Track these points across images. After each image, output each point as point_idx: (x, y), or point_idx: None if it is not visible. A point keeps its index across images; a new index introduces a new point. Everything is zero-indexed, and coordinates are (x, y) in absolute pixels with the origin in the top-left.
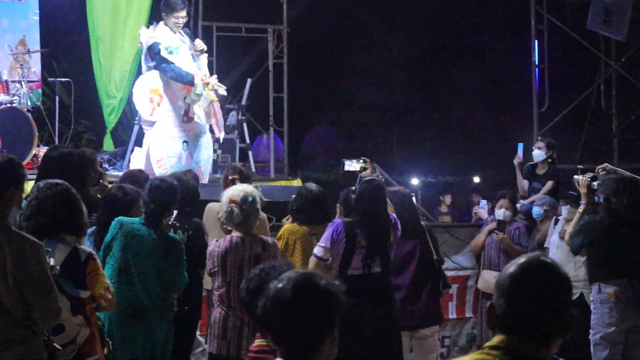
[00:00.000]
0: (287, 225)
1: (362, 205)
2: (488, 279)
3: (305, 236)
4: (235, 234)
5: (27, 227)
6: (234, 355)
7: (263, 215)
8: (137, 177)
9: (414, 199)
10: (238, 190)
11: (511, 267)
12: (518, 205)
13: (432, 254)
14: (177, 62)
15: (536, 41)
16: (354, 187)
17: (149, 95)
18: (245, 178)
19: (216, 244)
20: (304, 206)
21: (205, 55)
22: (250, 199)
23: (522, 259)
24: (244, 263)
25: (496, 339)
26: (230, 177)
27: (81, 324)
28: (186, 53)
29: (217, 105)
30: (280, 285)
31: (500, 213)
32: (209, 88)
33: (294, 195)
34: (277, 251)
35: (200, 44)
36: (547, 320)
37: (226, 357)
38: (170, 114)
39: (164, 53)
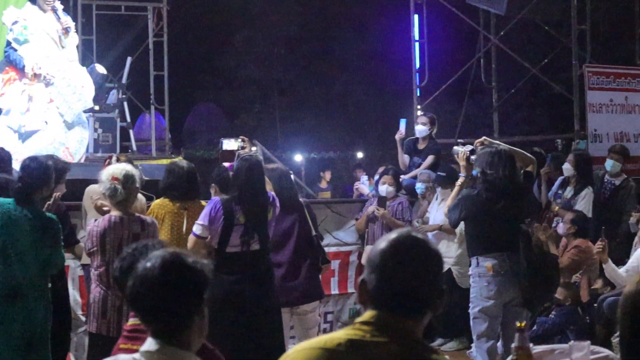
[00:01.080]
0: (158, 200)
1: (238, 183)
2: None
3: (175, 212)
4: (114, 213)
5: None
6: (114, 335)
7: (140, 195)
8: (1, 156)
9: (292, 176)
10: (119, 168)
11: (382, 243)
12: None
13: (310, 230)
14: (29, 48)
15: (416, 15)
16: (227, 164)
17: (1, 76)
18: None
19: (95, 223)
20: (175, 183)
21: (74, 34)
22: (131, 177)
23: (392, 235)
24: (123, 242)
25: (367, 315)
26: (107, 158)
27: None
28: (46, 35)
29: (47, 91)
30: (148, 264)
31: (384, 189)
32: (40, 79)
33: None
34: (156, 230)
35: (66, 21)
36: (418, 295)
37: (106, 336)
38: (16, 94)
39: (10, 36)
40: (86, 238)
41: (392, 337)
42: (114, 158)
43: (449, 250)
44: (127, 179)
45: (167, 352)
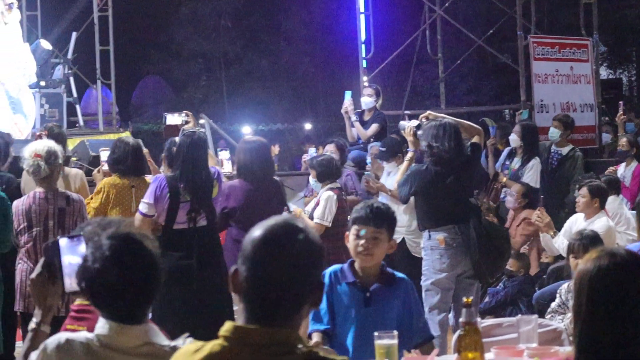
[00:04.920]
0: (107, 178)
1: (180, 159)
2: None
3: (125, 189)
4: (38, 190)
5: None
6: None
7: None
8: None
9: None
10: (42, 144)
11: (256, 231)
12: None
13: (283, 210)
14: None
15: None
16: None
17: None
18: (54, 136)
19: (19, 201)
20: (122, 158)
21: (17, 10)
22: (54, 153)
23: (269, 222)
24: (49, 217)
25: (227, 327)
26: (38, 133)
27: None
28: None
29: None
30: (105, 251)
31: None
32: None
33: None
34: (83, 206)
35: None
36: (291, 288)
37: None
38: None
39: None
40: (13, 217)
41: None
42: (44, 138)
43: (402, 219)
44: (50, 155)
45: (128, 332)
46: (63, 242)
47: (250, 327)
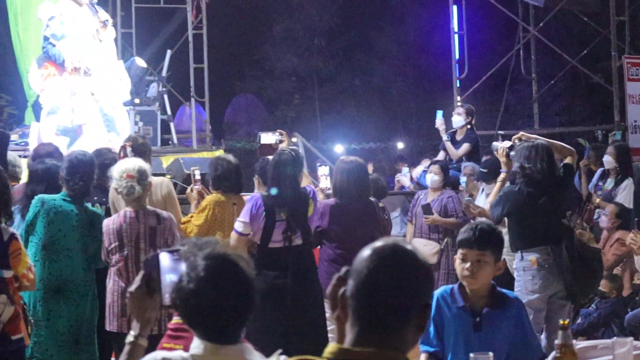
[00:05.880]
0: (211, 196)
1: (269, 178)
2: (418, 247)
3: (228, 206)
4: (129, 209)
5: None
6: None
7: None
8: (46, 152)
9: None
10: (132, 164)
11: (367, 250)
12: None
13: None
14: (66, 42)
15: (454, 7)
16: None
17: (41, 71)
18: (138, 146)
19: (110, 220)
20: (226, 175)
21: (111, 27)
22: (144, 172)
23: (378, 243)
24: (140, 236)
25: (331, 349)
26: (122, 144)
27: (5, 303)
28: (83, 29)
29: (87, 84)
30: (192, 272)
31: (429, 178)
32: (80, 73)
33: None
34: (173, 224)
35: (103, 15)
36: (396, 305)
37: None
38: (58, 89)
39: (48, 32)
40: (104, 236)
41: None
42: (129, 149)
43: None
44: (141, 174)
45: (224, 352)
46: (164, 257)
47: (355, 350)
